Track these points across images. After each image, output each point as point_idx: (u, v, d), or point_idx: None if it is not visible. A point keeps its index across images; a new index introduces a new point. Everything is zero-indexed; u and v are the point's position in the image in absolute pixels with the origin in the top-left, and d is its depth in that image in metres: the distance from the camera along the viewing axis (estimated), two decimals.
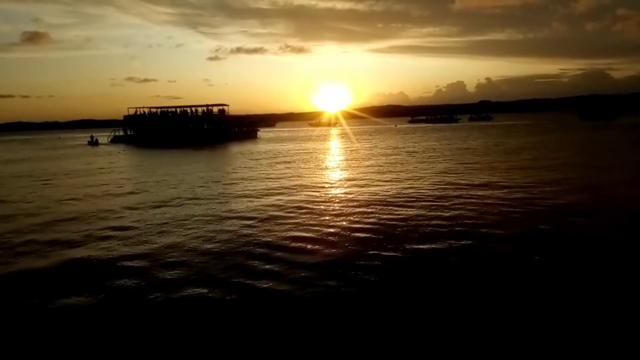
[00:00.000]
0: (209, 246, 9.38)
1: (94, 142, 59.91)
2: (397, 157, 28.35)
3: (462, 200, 13.17)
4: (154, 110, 62.97)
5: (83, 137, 67.16)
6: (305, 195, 15.20)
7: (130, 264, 8.41)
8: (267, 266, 8.01)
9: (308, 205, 13.27)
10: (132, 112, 62.09)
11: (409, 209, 12.23)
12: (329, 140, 53.98)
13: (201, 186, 18.06)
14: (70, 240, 10.26)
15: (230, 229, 10.79)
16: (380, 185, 16.66)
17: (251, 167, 25.23)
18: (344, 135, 64.81)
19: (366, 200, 13.75)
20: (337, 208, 12.88)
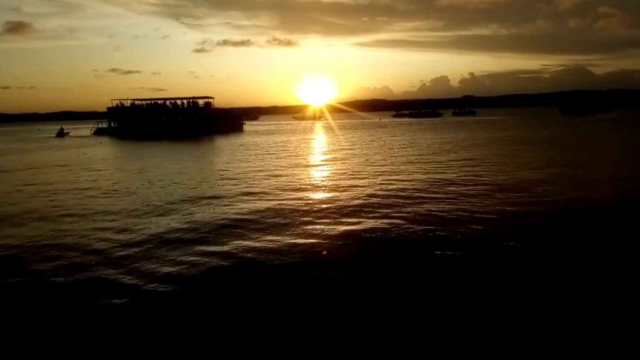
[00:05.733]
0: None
1: (62, 134, 60.98)
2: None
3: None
4: (139, 102, 61.99)
5: (64, 128, 65.77)
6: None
7: None
8: None
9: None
10: (115, 103, 61.09)
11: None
12: (315, 134, 53.90)
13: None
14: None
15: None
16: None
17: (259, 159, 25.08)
18: (329, 129, 64.77)
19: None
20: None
